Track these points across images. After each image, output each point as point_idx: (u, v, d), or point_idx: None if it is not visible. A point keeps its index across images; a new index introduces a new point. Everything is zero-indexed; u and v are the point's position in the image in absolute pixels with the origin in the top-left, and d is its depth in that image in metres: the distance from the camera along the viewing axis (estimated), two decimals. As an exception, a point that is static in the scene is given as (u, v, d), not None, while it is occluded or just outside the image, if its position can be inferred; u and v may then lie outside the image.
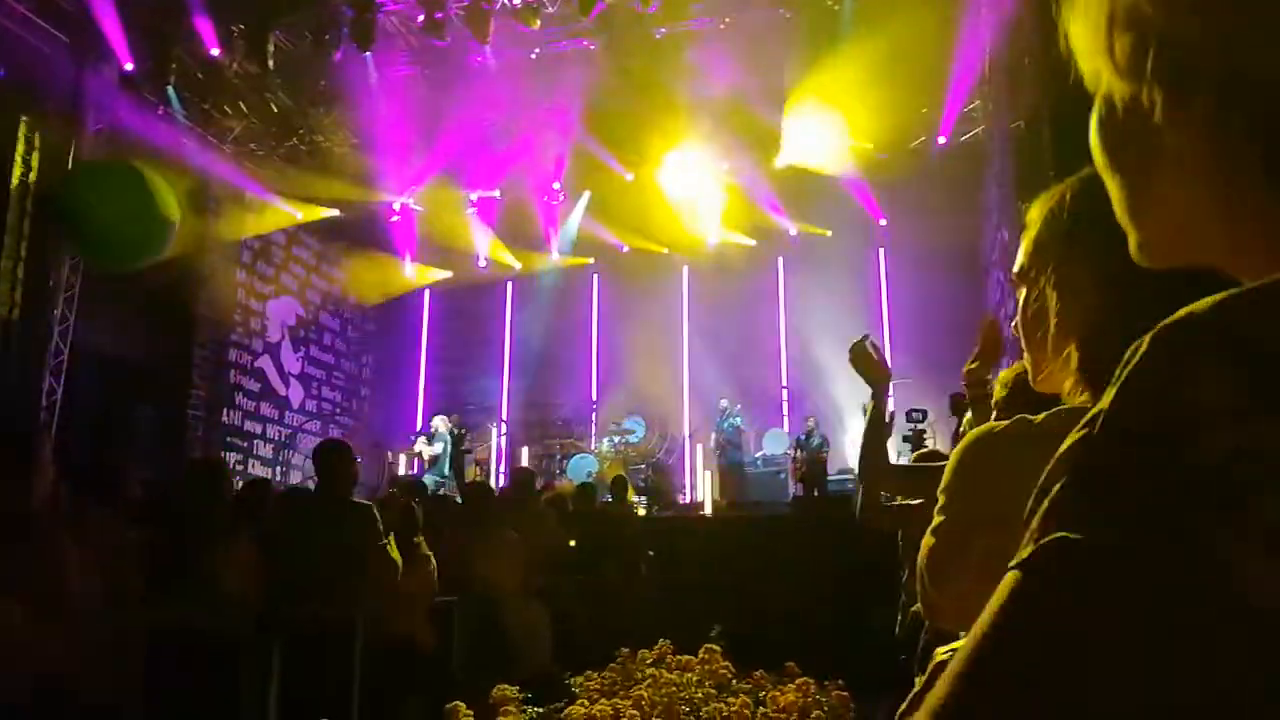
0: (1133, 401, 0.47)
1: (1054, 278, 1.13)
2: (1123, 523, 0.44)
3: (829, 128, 11.44)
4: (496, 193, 13.51)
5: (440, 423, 12.57)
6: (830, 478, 10.51)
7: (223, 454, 11.06)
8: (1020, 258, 1.18)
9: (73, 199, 6.40)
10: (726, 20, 10.00)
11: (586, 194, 13.46)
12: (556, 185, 13.15)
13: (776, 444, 11.96)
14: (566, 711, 3.04)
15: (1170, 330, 0.48)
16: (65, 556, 2.86)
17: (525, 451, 12.87)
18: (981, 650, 0.46)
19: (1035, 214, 1.17)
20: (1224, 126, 0.52)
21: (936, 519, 1.27)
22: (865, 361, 2.60)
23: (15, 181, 9.31)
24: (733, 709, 2.05)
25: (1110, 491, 0.46)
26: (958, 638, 1.06)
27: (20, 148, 9.38)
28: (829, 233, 13.11)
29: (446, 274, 15.16)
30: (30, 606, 2.54)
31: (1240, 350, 0.45)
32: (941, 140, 11.38)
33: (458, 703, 3.21)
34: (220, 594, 3.68)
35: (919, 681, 1.27)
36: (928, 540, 1.28)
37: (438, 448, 12.17)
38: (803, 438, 11.04)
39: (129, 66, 9.91)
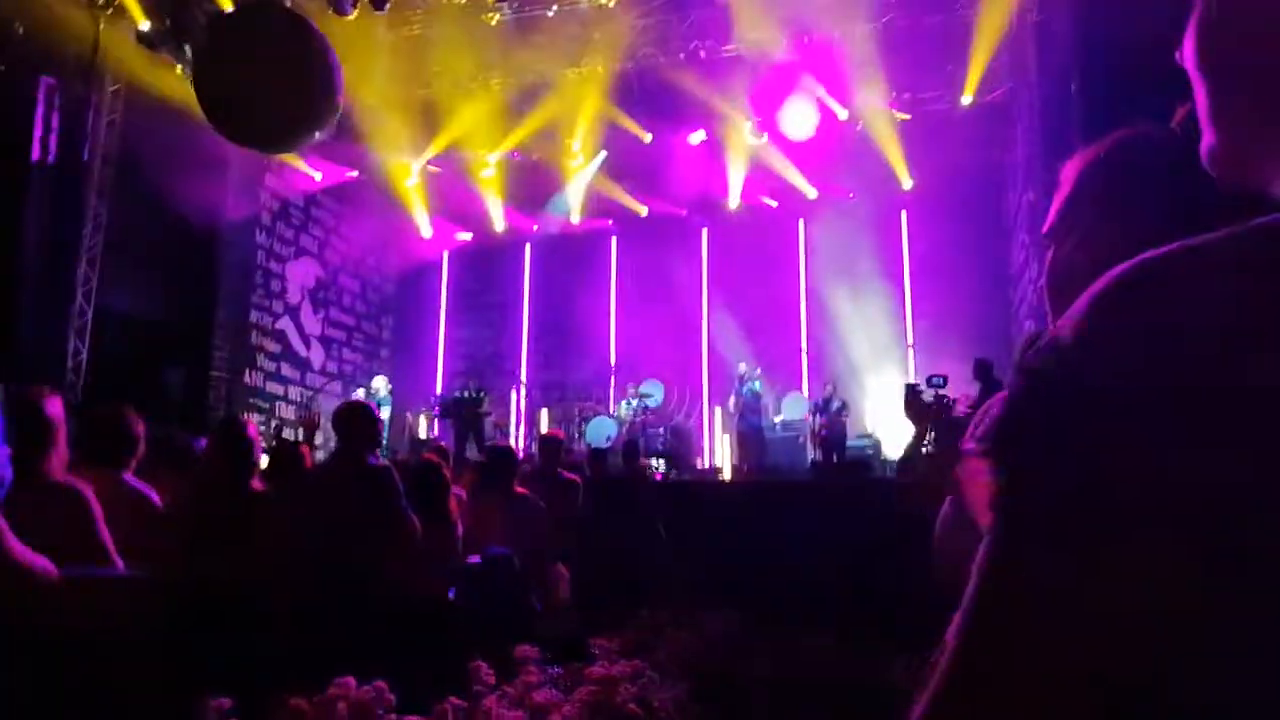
0: (1057, 353, 0.51)
1: (1085, 238, 1.10)
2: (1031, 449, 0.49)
3: (853, 87, 11.26)
4: (514, 154, 13.41)
5: (380, 383, 12.12)
6: (850, 442, 10.49)
7: (246, 415, 11.16)
8: (1052, 216, 1.15)
9: (229, 36, 5.31)
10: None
11: (602, 154, 13.33)
12: (575, 146, 13.03)
13: (796, 408, 11.93)
14: (587, 671, 3.07)
15: (1099, 290, 0.51)
16: (95, 517, 2.89)
17: (545, 414, 12.90)
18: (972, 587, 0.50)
19: (1070, 173, 1.14)
20: None
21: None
22: (917, 409, 2.67)
23: (35, 140, 9.34)
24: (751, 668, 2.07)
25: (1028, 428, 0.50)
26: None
27: (40, 106, 9.40)
28: (851, 194, 12.95)
29: (465, 236, 15.17)
30: (63, 567, 2.57)
31: (1149, 316, 0.48)
32: (967, 100, 11.16)
33: (480, 662, 3.25)
34: (255, 555, 3.73)
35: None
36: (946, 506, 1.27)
37: (384, 412, 11.10)
38: (822, 402, 11.00)
39: (145, 25, 9.88)
